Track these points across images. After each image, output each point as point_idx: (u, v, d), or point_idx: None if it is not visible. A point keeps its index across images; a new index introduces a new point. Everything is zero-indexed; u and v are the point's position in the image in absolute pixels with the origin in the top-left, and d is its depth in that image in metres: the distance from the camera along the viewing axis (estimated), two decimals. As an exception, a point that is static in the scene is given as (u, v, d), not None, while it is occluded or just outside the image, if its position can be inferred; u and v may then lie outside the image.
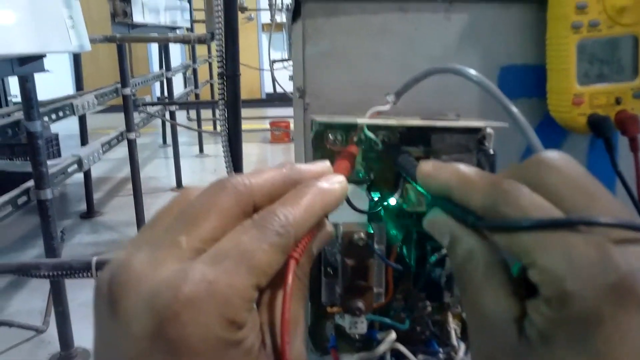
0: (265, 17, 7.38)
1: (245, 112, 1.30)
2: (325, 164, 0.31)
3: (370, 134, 0.42)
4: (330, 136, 0.43)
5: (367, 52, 0.52)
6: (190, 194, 0.28)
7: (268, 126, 5.67)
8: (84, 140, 3.34)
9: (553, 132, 0.55)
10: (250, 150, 4.95)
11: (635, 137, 0.52)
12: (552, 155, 0.26)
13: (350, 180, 0.38)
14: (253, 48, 8.03)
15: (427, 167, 0.30)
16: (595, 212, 0.23)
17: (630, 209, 0.25)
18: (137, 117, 3.23)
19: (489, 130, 0.42)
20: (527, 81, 0.54)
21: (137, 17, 2.57)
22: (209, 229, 0.25)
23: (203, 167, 5.02)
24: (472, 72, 0.38)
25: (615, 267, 0.21)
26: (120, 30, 2.50)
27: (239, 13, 1.32)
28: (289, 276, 0.26)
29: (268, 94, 8.20)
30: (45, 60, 1.74)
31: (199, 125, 5.22)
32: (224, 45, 1.17)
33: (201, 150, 5.38)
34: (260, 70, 7.03)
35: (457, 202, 0.27)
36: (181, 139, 4.45)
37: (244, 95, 1.28)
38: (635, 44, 0.51)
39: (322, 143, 0.43)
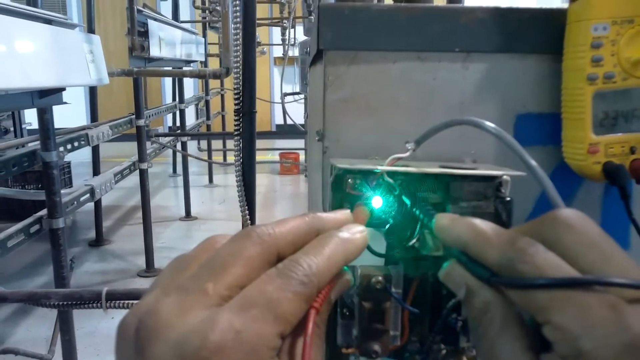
0: (277, 51, 7.52)
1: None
2: (346, 212, 0.32)
3: (390, 180, 0.43)
4: (350, 181, 0.43)
5: (386, 99, 0.53)
6: (216, 242, 0.29)
7: (277, 158, 5.70)
8: (96, 170, 3.37)
9: (568, 179, 0.55)
10: (259, 181, 4.94)
11: (650, 186, 0.52)
12: (568, 213, 0.26)
13: (368, 224, 0.38)
14: (265, 81, 8.14)
15: (444, 221, 0.31)
16: (609, 271, 0.24)
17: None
18: (149, 147, 3.27)
19: (505, 177, 0.43)
20: (543, 129, 0.55)
21: (154, 51, 2.62)
22: (235, 277, 0.26)
23: (212, 197, 5.03)
24: (491, 125, 0.39)
25: (629, 327, 0.22)
26: (137, 64, 2.54)
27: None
28: (309, 326, 0.26)
29: (278, 126, 8.27)
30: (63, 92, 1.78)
31: (210, 156, 5.25)
32: (241, 83, 1.19)
33: (211, 180, 5.40)
34: (272, 103, 7.12)
35: (473, 256, 0.28)
36: (191, 168, 4.48)
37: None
38: (649, 95, 0.52)
39: (341, 187, 0.44)
